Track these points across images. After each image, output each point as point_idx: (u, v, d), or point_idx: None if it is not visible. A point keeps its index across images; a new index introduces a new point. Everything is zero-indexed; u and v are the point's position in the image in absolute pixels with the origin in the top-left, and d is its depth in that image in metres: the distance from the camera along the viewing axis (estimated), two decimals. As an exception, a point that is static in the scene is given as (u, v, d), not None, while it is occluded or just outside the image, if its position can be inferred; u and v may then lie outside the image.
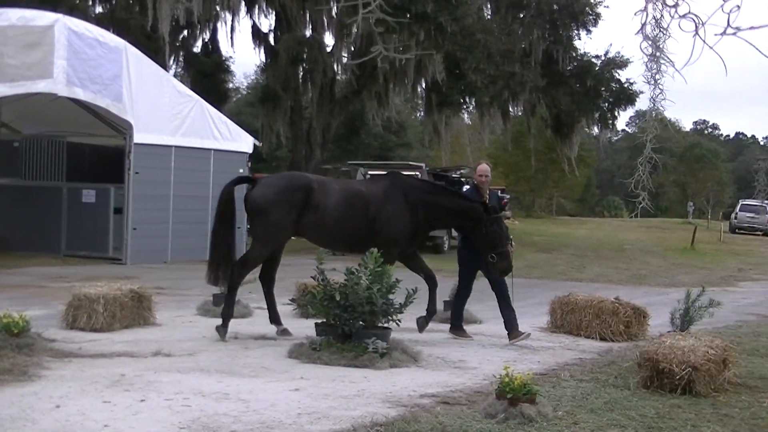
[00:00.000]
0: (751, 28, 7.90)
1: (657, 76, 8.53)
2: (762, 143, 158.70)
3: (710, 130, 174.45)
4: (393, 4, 39.53)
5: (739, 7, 7.83)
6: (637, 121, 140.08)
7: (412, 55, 42.77)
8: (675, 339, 12.98)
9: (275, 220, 15.83)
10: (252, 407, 10.82)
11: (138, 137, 30.64)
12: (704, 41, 8.28)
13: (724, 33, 7.88)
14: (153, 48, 41.42)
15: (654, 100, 8.75)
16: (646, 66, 8.53)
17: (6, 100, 29.63)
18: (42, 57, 27.96)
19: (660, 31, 8.32)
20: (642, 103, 52.82)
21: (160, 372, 12.80)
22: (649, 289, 28.21)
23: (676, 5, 8.29)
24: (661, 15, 8.30)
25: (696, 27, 8.20)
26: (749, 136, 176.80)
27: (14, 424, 9.93)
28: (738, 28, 7.87)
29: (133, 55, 31.25)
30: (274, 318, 16.68)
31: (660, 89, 8.65)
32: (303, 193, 15.85)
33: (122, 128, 31.17)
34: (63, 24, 28.95)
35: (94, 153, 34.43)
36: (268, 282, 16.84)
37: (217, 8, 47.76)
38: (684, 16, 8.30)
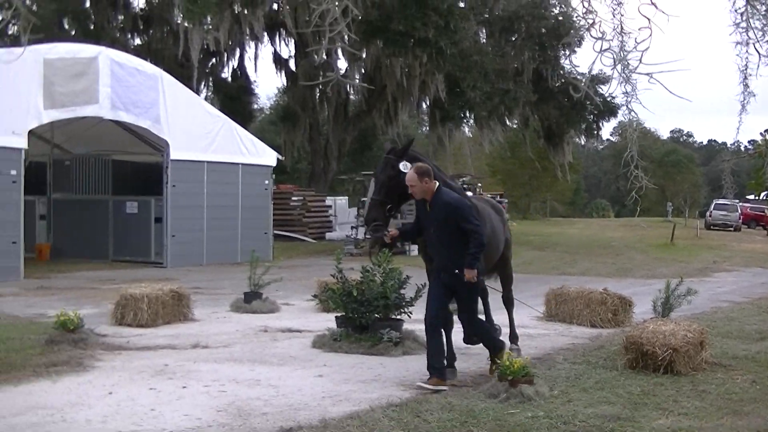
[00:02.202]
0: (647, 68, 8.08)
1: (628, 88, 8.57)
2: (731, 148, 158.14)
3: (685, 137, 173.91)
4: (398, 30, 39.69)
5: (648, 47, 7.99)
6: (620, 131, 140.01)
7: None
8: (657, 324, 13.02)
9: None
10: (281, 392, 10.89)
11: (174, 154, 30.74)
12: (621, 75, 8.44)
13: (635, 70, 8.02)
14: (185, 75, 41.57)
15: (630, 109, 8.80)
16: (619, 82, 8.58)
17: (58, 123, 29.79)
18: (88, 85, 28.11)
19: (624, 53, 8.35)
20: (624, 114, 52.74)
21: (198, 362, 12.90)
22: (634, 281, 28.15)
23: (602, 38, 8.37)
24: (622, 40, 8.34)
25: (614, 61, 8.32)
26: (720, 142, 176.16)
27: (73, 408, 10.05)
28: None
29: (168, 81, 31.35)
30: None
31: (635, 97, 8.69)
32: None
33: (160, 146, 31.27)
34: (106, 55, 29.16)
35: (136, 169, 34.52)
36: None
37: (243, 37, 47.91)
38: (604, 51, 8.39)
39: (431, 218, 11.63)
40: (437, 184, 11.62)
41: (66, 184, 35.06)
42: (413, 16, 41.02)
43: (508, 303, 14.65)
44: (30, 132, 26.79)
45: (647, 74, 8.08)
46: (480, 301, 13.78)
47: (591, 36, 8.36)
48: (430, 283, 12.10)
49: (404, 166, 11.72)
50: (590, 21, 8.40)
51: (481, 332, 12.20)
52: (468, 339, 12.67)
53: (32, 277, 25.69)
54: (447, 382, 11.36)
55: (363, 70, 47.47)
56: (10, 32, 49.27)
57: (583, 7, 8.25)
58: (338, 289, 14.54)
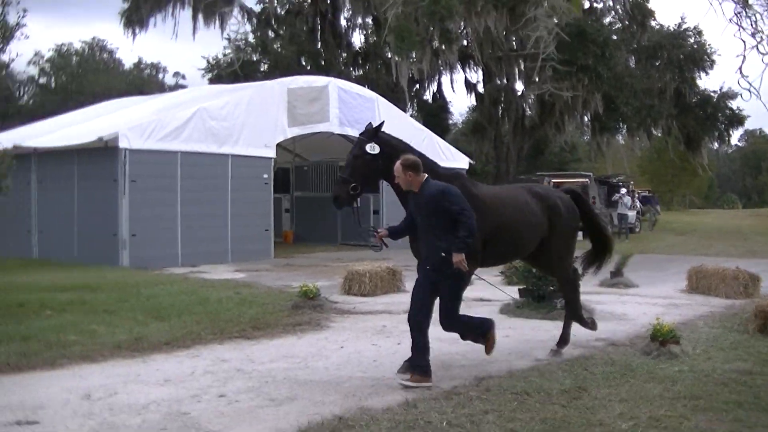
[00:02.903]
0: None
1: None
2: None
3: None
4: (564, 60, 39.34)
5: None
6: (746, 137, 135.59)
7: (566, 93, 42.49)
8: (782, 296, 12.64)
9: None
10: (475, 348, 10.84)
11: (388, 160, 30.96)
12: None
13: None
14: (395, 98, 41.92)
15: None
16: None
17: (298, 138, 30.46)
18: (321, 107, 28.69)
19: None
20: (749, 123, 51.27)
21: (410, 324, 12.98)
22: (760, 261, 27.03)
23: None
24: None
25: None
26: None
27: (314, 358, 10.30)
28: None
29: (382, 103, 31.65)
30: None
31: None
32: None
33: (376, 155, 31.60)
34: (334, 84, 29.79)
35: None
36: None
37: (440, 67, 48.20)
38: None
39: (418, 208, 9.38)
40: (425, 176, 9.35)
41: (304, 185, 35.81)
42: (576, 48, 40.77)
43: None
44: (277, 145, 27.56)
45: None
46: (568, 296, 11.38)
47: (759, 51, 8.12)
48: (417, 278, 9.67)
49: (371, 147, 9.86)
50: (759, 39, 8.15)
51: (462, 330, 9.56)
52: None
53: (280, 256, 26.33)
54: (431, 379, 9.05)
55: (536, 92, 47.11)
56: (261, 69, 50.89)
57: (752, 27, 8.01)
58: (521, 267, 14.47)
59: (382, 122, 10.20)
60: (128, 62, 78.66)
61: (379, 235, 9.94)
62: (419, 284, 9.41)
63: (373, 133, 10.00)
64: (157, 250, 23.23)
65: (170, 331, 12.21)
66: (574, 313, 11.21)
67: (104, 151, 23.07)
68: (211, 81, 53.79)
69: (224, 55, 55.91)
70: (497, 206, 10.19)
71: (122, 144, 22.78)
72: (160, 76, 79.25)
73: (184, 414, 7.86)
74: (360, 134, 10.18)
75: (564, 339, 10.98)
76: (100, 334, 11.81)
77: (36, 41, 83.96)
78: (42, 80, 75.25)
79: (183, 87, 65.69)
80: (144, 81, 74.33)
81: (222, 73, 50.80)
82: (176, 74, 79.90)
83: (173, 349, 11.01)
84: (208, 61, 57.54)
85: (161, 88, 68.88)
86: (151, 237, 23.18)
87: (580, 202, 11.51)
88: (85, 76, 71.49)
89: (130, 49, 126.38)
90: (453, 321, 9.30)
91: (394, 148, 9.98)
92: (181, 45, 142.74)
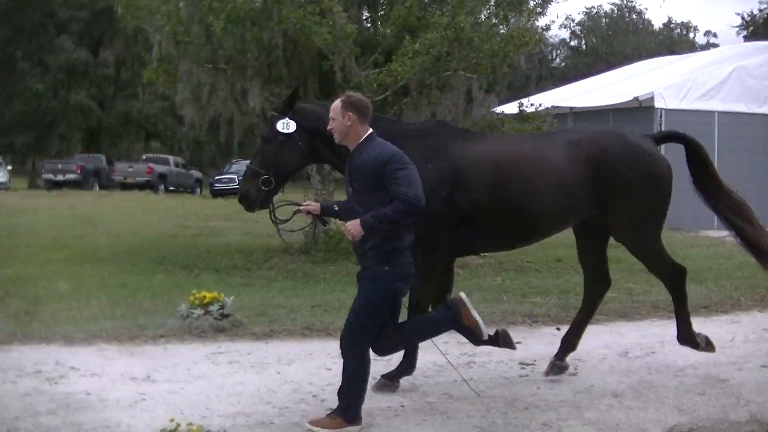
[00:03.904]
0: None
1: None
2: None
3: None
4: None
5: None
6: None
7: None
8: None
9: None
10: None
11: None
12: None
13: None
14: None
15: None
16: None
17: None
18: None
19: None
20: None
21: None
22: None
23: None
24: None
25: None
26: None
27: None
28: None
29: None
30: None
31: None
32: None
33: None
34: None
35: None
36: None
37: None
38: None
39: (350, 177, 6.35)
40: (370, 131, 6.30)
41: None
42: None
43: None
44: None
45: None
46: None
47: None
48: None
49: (283, 125, 6.93)
50: None
51: (348, 381, 6.19)
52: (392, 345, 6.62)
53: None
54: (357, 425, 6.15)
55: None
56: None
57: None
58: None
59: (296, 89, 7.43)
60: (657, 23, 79.17)
61: (303, 209, 6.77)
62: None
63: (287, 105, 7.15)
64: (691, 211, 22.98)
65: (708, 294, 12.13)
66: (685, 313, 7.91)
67: (639, 111, 23.65)
68: (746, 39, 52.29)
69: (760, 10, 54.10)
70: (485, 174, 7.19)
71: (657, 104, 23.34)
72: (691, 35, 78.67)
73: (723, 381, 7.61)
74: (272, 109, 7.64)
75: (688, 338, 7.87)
76: (636, 292, 12.13)
77: (567, 5, 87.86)
78: (573, 43, 78.99)
79: (714, 46, 64.35)
80: (674, 41, 74.42)
81: (759, 29, 49.03)
82: (707, 33, 78.76)
83: (711, 313, 10.91)
84: (742, 18, 56.00)
85: (692, 47, 68.35)
86: (684, 198, 23.00)
87: (694, 156, 8.12)
88: (615, 38, 73.77)
89: (659, 5, 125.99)
90: (355, 342, 6.24)
91: (321, 118, 6.87)
92: (712, 3, 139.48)
